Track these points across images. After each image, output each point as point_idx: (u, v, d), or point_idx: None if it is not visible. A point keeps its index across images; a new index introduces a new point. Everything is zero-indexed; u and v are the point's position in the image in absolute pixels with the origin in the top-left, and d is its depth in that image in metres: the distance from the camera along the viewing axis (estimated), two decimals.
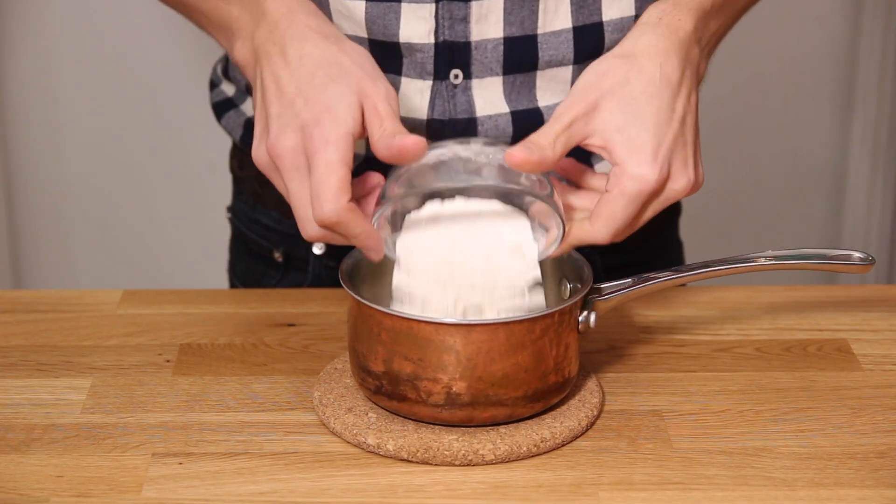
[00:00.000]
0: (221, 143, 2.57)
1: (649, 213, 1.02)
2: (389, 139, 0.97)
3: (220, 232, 2.63)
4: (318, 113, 0.98)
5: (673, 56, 1.03)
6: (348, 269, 1.04)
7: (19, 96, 2.42)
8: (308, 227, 0.99)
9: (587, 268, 1.04)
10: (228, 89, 1.32)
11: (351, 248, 1.09)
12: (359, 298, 1.00)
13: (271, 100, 1.01)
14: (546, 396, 1.01)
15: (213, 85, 1.34)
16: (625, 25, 1.17)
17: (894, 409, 1.06)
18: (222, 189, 2.57)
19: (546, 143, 0.99)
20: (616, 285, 1.05)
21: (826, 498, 0.95)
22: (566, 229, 1.01)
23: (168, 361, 1.12)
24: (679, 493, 0.95)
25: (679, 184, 1.01)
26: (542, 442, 0.99)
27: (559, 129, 1.00)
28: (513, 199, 1.02)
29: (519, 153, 0.97)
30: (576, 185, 1.06)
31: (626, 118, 1.00)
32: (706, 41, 1.09)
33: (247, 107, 1.29)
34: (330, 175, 0.96)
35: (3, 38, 2.39)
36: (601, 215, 1.00)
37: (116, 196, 2.51)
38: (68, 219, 2.52)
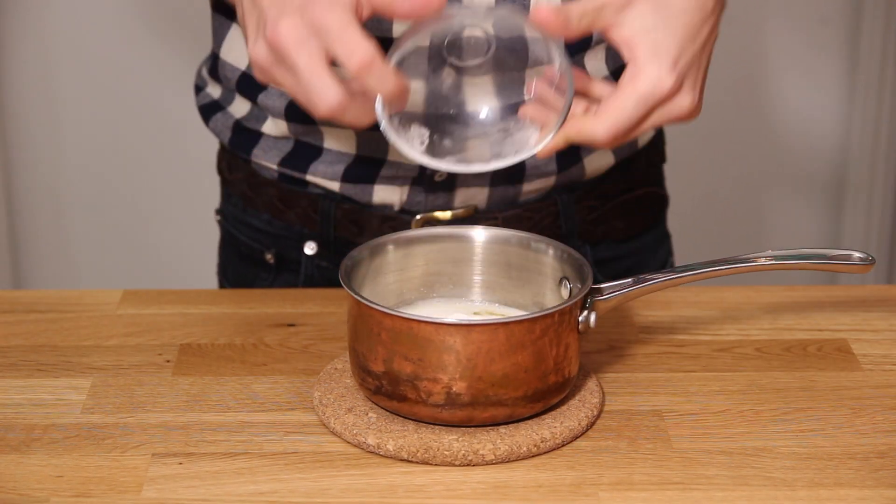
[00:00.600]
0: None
1: (650, 122, 1.02)
2: None
3: None
4: None
5: None
6: (348, 269, 1.04)
7: (19, 96, 2.42)
8: (324, 98, 0.95)
9: (587, 268, 1.04)
10: (214, 91, 1.31)
11: (352, 246, 1.09)
12: (359, 298, 1.00)
13: None
14: (546, 396, 1.01)
15: (199, 88, 1.34)
16: None
17: (894, 409, 1.06)
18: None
19: (573, 15, 0.99)
20: (616, 285, 1.05)
21: (826, 498, 0.95)
22: (565, 119, 1.00)
23: (168, 361, 1.12)
24: (679, 493, 0.95)
25: (685, 100, 1.02)
26: (542, 442, 0.99)
27: (590, 7, 1.00)
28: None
29: (545, 13, 0.97)
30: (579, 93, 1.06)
31: (656, 22, 1.01)
32: None
33: (234, 108, 1.28)
34: (348, 26, 0.93)
35: (3, 38, 2.39)
36: (609, 109, 1.00)
37: (117, 196, 2.51)
38: (68, 219, 2.52)
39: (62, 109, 2.44)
